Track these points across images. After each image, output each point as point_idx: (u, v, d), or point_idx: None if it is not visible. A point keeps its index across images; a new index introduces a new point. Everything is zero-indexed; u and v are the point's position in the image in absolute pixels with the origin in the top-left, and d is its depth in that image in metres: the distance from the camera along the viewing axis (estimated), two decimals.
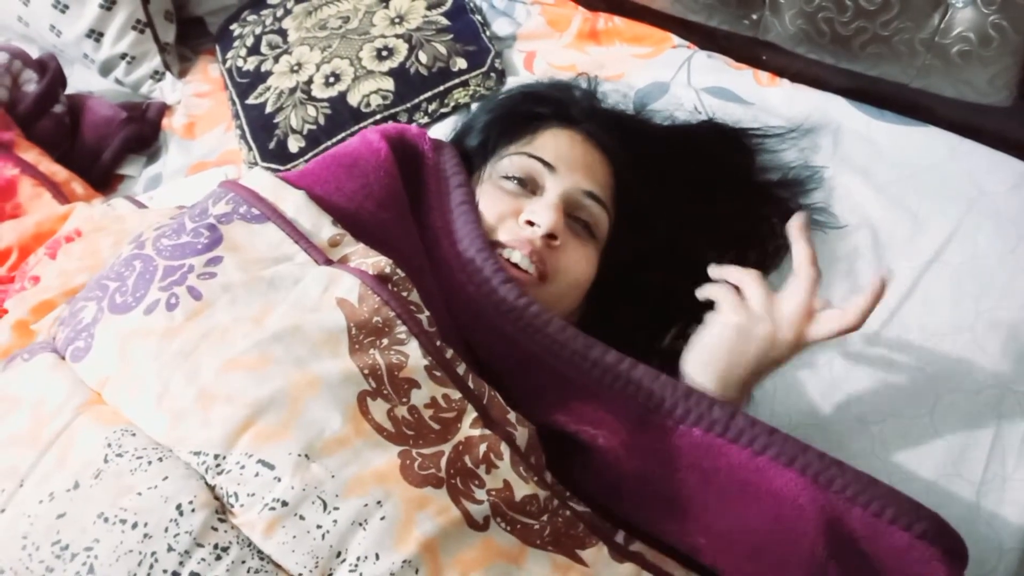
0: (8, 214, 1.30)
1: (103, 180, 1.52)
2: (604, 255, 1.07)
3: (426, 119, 1.44)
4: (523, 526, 0.76)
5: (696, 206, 1.15)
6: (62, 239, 1.11)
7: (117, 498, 0.69)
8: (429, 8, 1.51)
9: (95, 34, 1.59)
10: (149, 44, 1.62)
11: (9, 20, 1.66)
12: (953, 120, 1.23)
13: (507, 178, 1.03)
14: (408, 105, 1.43)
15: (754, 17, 1.29)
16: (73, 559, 0.67)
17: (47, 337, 0.86)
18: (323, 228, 0.86)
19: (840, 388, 1.08)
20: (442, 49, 1.46)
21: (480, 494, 0.74)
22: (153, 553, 0.66)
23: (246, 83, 1.53)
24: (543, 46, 1.52)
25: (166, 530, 0.67)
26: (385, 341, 0.78)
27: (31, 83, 1.52)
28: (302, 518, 0.69)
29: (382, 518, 0.69)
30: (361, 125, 1.42)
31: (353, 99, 1.43)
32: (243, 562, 0.68)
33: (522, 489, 0.77)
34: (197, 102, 1.62)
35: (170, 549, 0.66)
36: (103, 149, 1.53)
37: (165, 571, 0.66)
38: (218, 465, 0.70)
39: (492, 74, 1.46)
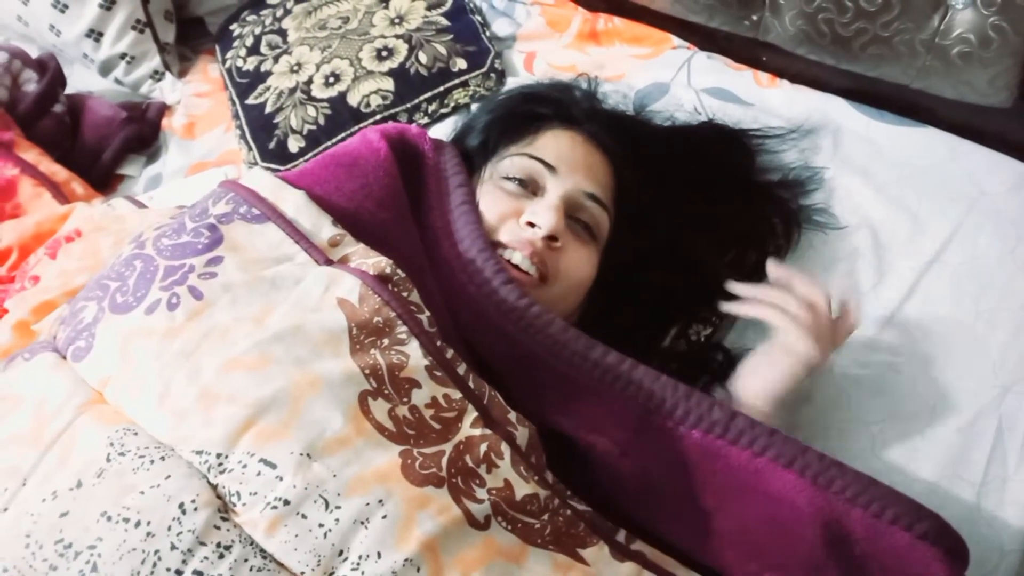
0: (8, 214, 1.30)
1: (103, 180, 1.52)
2: (605, 255, 1.07)
3: (426, 119, 1.44)
4: (524, 525, 0.76)
5: (696, 207, 1.15)
6: (62, 239, 1.11)
7: (120, 497, 0.69)
8: (429, 8, 1.51)
9: (95, 34, 1.59)
10: (149, 44, 1.62)
11: (9, 20, 1.66)
12: (953, 121, 1.23)
13: (508, 179, 1.03)
14: (408, 105, 1.43)
15: (754, 18, 1.29)
16: (76, 557, 0.67)
17: (48, 337, 0.86)
18: (323, 228, 0.86)
19: (840, 388, 1.08)
20: (442, 49, 1.46)
21: (481, 493, 0.74)
22: (156, 551, 0.66)
23: (246, 83, 1.53)
24: (543, 46, 1.52)
25: (169, 528, 0.67)
26: (386, 341, 0.78)
27: (31, 83, 1.52)
28: (304, 517, 0.69)
29: (384, 517, 0.69)
30: (361, 125, 1.42)
31: (353, 99, 1.43)
32: (245, 560, 0.68)
33: (523, 488, 0.77)
34: (197, 102, 1.62)
35: (173, 547, 0.66)
36: (103, 149, 1.53)
37: (168, 569, 0.66)
38: (220, 464, 0.70)
39: (492, 75, 1.46)
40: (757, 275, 1.14)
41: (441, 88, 1.44)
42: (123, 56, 1.61)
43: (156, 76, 1.64)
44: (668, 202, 1.13)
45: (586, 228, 1.04)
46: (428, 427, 0.75)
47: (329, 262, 0.84)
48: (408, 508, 0.70)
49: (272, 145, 1.44)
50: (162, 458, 0.71)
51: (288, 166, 1.41)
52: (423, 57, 1.45)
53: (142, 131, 1.57)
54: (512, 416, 0.81)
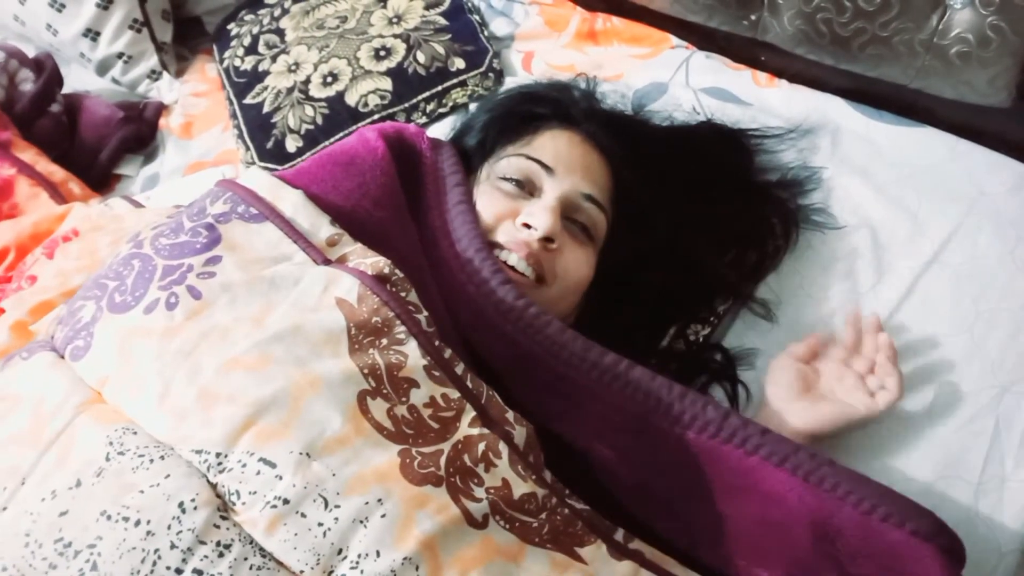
0: (5, 214, 1.29)
1: (100, 180, 1.52)
2: (603, 256, 1.07)
3: (424, 119, 1.44)
4: (522, 524, 0.76)
5: (695, 206, 1.15)
6: (59, 239, 1.10)
7: (119, 496, 0.69)
8: (427, 8, 1.51)
9: (92, 33, 1.58)
10: (146, 43, 1.62)
11: (5, 19, 1.65)
12: (953, 121, 1.23)
13: (505, 179, 1.03)
14: (406, 105, 1.43)
15: (753, 18, 1.29)
16: (76, 556, 0.67)
17: (45, 337, 0.86)
18: (321, 228, 0.86)
19: None
20: (440, 49, 1.46)
21: (479, 492, 0.74)
22: (156, 550, 0.66)
23: (244, 83, 1.52)
24: (541, 46, 1.52)
25: (169, 527, 0.67)
26: (384, 341, 0.78)
27: (28, 82, 1.52)
28: (303, 516, 0.69)
29: (383, 516, 0.69)
30: (359, 125, 1.42)
31: (351, 99, 1.43)
32: (245, 559, 0.68)
33: (521, 487, 0.77)
34: (194, 102, 1.62)
35: (173, 546, 0.66)
36: (100, 149, 1.52)
37: (168, 568, 0.66)
38: (220, 463, 0.70)
39: (490, 74, 1.46)
40: (756, 275, 1.15)
41: (439, 88, 1.44)
42: (120, 55, 1.61)
43: (153, 76, 1.64)
44: (667, 202, 1.13)
45: (583, 229, 1.04)
46: (426, 426, 0.75)
47: (327, 262, 0.84)
48: (407, 507, 0.70)
49: (270, 145, 1.43)
50: (161, 457, 0.71)
51: (286, 166, 1.41)
52: (421, 57, 1.45)
53: (139, 131, 1.57)
54: (510, 415, 0.82)
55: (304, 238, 0.85)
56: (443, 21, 1.50)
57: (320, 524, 0.69)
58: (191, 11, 1.72)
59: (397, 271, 0.83)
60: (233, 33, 1.62)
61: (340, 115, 1.43)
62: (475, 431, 0.77)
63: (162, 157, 1.56)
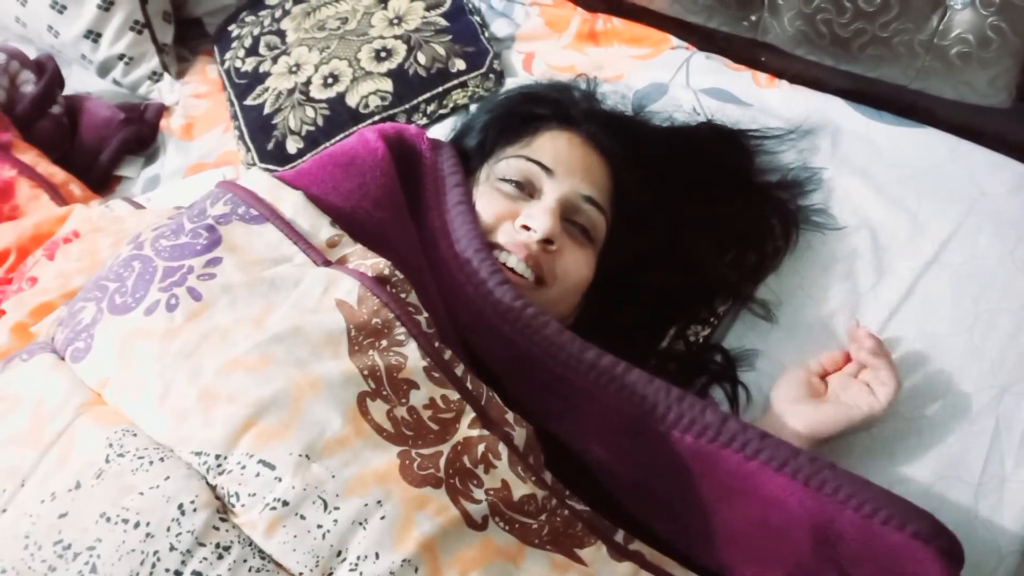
0: (6, 216, 1.30)
1: (101, 181, 1.52)
2: (603, 257, 1.07)
3: (425, 120, 1.44)
4: (521, 525, 0.76)
5: (695, 207, 1.15)
6: (60, 240, 1.10)
7: (119, 498, 0.69)
8: (428, 9, 1.51)
9: (93, 35, 1.59)
10: (147, 45, 1.62)
11: (7, 21, 1.66)
12: (953, 122, 1.23)
13: (505, 180, 1.03)
14: (407, 106, 1.43)
15: (753, 18, 1.29)
16: (75, 559, 0.67)
17: (46, 338, 0.86)
18: (321, 229, 0.86)
19: None
20: (441, 50, 1.46)
21: (479, 494, 0.74)
22: (155, 552, 0.66)
23: (244, 84, 1.53)
24: (542, 47, 1.52)
25: (168, 529, 0.67)
26: (384, 342, 0.78)
27: (29, 84, 1.52)
28: (303, 518, 0.69)
29: (382, 518, 0.69)
30: (360, 126, 1.42)
31: (352, 100, 1.43)
32: (244, 561, 0.68)
33: (520, 489, 0.77)
34: (195, 103, 1.62)
35: (172, 548, 0.67)
36: (101, 150, 1.52)
37: (167, 570, 0.66)
38: (219, 465, 0.70)
39: (491, 75, 1.46)
40: (756, 276, 1.15)
41: (440, 89, 1.44)
42: (121, 57, 1.61)
43: (154, 77, 1.64)
44: (667, 203, 1.13)
45: (583, 231, 1.04)
46: (426, 428, 0.75)
47: (327, 263, 0.84)
48: (406, 509, 0.70)
49: (271, 146, 1.44)
50: (161, 459, 0.71)
51: (286, 167, 1.41)
52: (422, 58, 1.45)
53: (140, 132, 1.57)
54: (510, 416, 0.82)
55: (304, 239, 0.85)
56: (444, 22, 1.50)
57: (319, 526, 0.69)
58: (192, 12, 1.72)
59: (397, 272, 0.83)
60: (234, 34, 1.62)
61: (341, 116, 1.43)
62: (475, 432, 0.77)
63: (163, 158, 1.56)
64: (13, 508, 0.70)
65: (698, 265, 1.13)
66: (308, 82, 1.46)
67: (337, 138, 1.41)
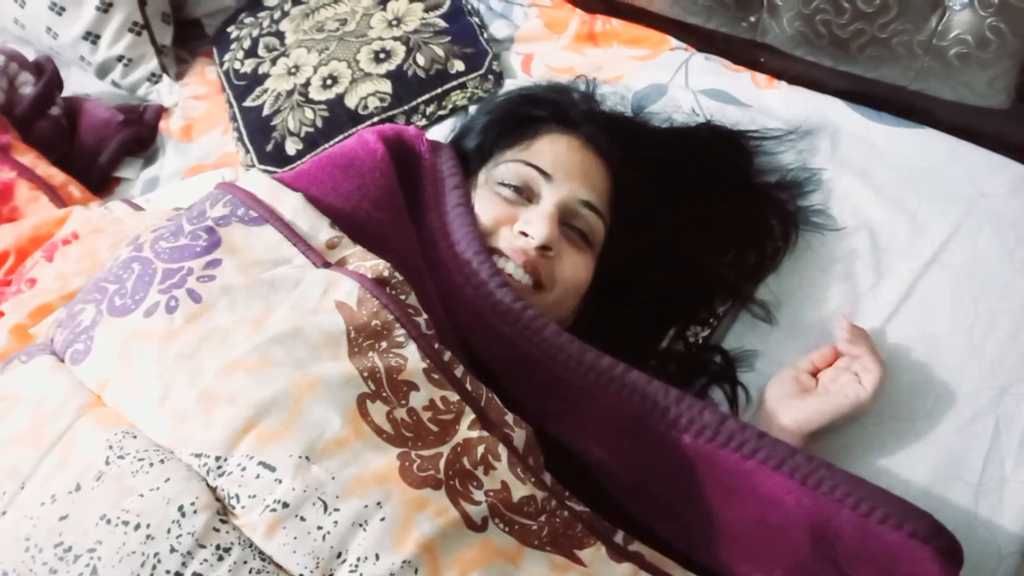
0: (5, 217, 1.30)
1: (100, 183, 1.52)
2: (602, 259, 1.07)
3: (424, 121, 1.44)
4: (521, 527, 0.76)
5: (694, 208, 1.15)
6: (59, 242, 1.10)
7: (119, 500, 0.69)
8: (427, 10, 1.51)
9: (92, 36, 1.59)
10: (146, 46, 1.62)
11: (5, 22, 1.66)
12: (952, 122, 1.22)
13: (504, 185, 1.03)
14: (406, 107, 1.43)
15: (752, 19, 1.29)
16: (76, 561, 0.67)
17: (45, 340, 0.86)
18: (321, 230, 0.86)
19: None
20: (440, 51, 1.46)
21: (478, 495, 0.74)
22: (156, 554, 0.66)
23: (243, 85, 1.53)
24: (541, 48, 1.52)
25: (168, 531, 0.67)
26: (384, 344, 0.78)
27: (27, 85, 1.52)
28: (303, 519, 0.69)
29: (382, 519, 0.69)
30: (359, 127, 1.42)
31: (351, 101, 1.43)
32: (244, 563, 0.68)
33: (520, 490, 0.77)
34: (194, 104, 1.62)
35: (172, 550, 0.67)
36: (100, 152, 1.53)
37: (168, 572, 0.66)
38: (219, 467, 0.70)
39: (490, 76, 1.46)
40: (755, 276, 1.15)
41: (439, 90, 1.44)
42: (120, 58, 1.61)
43: (153, 78, 1.64)
44: (666, 204, 1.13)
45: (581, 235, 1.04)
46: (426, 429, 0.75)
47: (327, 264, 0.84)
48: (406, 510, 0.70)
49: (270, 147, 1.43)
50: (161, 461, 0.71)
51: (285, 168, 1.41)
52: (421, 59, 1.45)
53: (139, 134, 1.57)
54: (509, 418, 0.82)
55: (304, 241, 0.85)
56: (443, 23, 1.50)
57: (319, 527, 0.69)
58: (191, 14, 1.72)
59: (397, 274, 0.83)
60: (233, 36, 1.62)
61: (340, 118, 1.43)
62: (474, 434, 0.77)
63: (162, 160, 1.56)
64: (13, 510, 0.70)
65: (697, 266, 1.13)
66: (307, 83, 1.46)
67: (336, 139, 1.41)
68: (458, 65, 1.45)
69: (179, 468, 0.71)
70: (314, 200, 0.88)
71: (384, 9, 1.53)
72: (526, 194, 1.03)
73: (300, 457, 0.70)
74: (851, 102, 1.29)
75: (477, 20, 1.52)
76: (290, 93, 1.46)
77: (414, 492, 0.71)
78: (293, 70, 1.49)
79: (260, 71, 1.52)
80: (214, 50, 1.65)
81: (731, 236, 1.16)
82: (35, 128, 1.49)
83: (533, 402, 0.91)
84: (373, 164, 0.95)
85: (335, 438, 0.71)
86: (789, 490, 0.84)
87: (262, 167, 1.42)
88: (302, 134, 1.42)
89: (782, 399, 0.99)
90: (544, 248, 0.98)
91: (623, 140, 1.12)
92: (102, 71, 1.63)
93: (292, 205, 0.87)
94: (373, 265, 0.82)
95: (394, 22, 1.50)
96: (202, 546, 0.67)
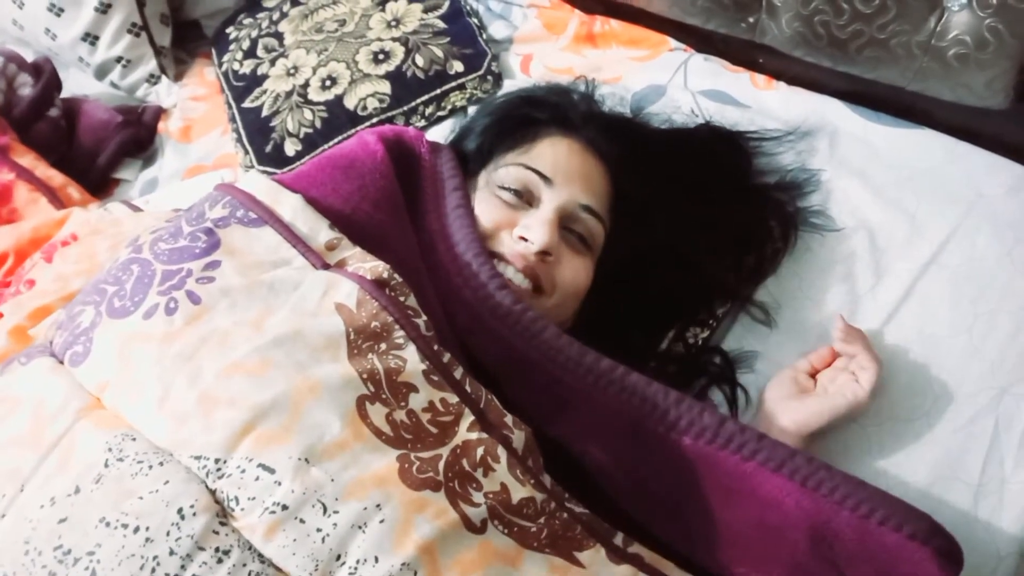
0: (4, 219, 1.29)
1: (99, 184, 1.52)
2: (602, 261, 1.07)
3: (423, 122, 1.44)
4: (520, 528, 0.76)
5: (694, 209, 1.15)
6: (58, 243, 1.10)
7: (118, 502, 0.69)
8: (426, 11, 1.51)
9: (90, 37, 1.59)
10: (145, 47, 1.62)
11: (4, 23, 1.66)
12: (950, 123, 1.22)
13: (504, 188, 1.03)
14: (405, 108, 1.43)
15: (751, 20, 1.29)
16: (76, 564, 0.67)
17: (44, 342, 0.86)
18: (320, 232, 0.86)
19: None
20: (439, 52, 1.46)
21: (478, 497, 0.74)
22: (155, 557, 0.66)
23: (242, 86, 1.52)
24: (540, 49, 1.52)
25: (168, 534, 0.67)
26: (383, 346, 0.78)
27: (26, 87, 1.52)
28: (302, 521, 0.69)
29: (381, 521, 0.69)
30: (358, 128, 1.42)
31: (350, 102, 1.43)
32: (244, 565, 0.68)
33: (519, 492, 0.77)
34: (193, 105, 1.62)
35: (172, 553, 0.67)
36: (99, 153, 1.53)
37: (167, 574, 0.66)
38: (219, 469, 0.70)
39: (489, 77, 1.46)
40: (755, 277, 1.15)
41: (438, 91, 1.44)
42: (119, 60, 1.61)
43: (152, 80, 1.64)
44: (665, 205, 1.13)
45: (580, 239, 1.04)
46: (425, 431, 0.75)
47: (326, 266, 0.84)
48: (405, 512, 0.70)
49: (269, 148, 1.43)
50: (160, 463, 0.71)
51: (285, 169, 1.41)
52: (420, 60, 1.45)
53: (138, 135, 1.57)
54: (509, 420, 0.81)
55: (303, 242, 0.85)
56: (441, 24, 1.50)
57: (319, 530, 0.69)
58: (190, 15, 1.72)
59: (396, 276, 0.83)
60: (232, 37, 1.62)
61: (339, 119, 1.43)
62: (474, 435, 0.77)
63: (161, 161, 1.56)
64: (13, 513, 0.70)
65: (697, 267, 1.13)
66: (306, 84, 1.46)
67: (335, 140, 1.41)
68: (457, 66, 1.45)
69: (178, 470, 0.71)
70: (313, 201, 0.88)
71: (383, 10, 1.53)
72: (526, 198, 1.03)
73: (299, 459, 0.70)
74: (850, 103, 1.29)
75: (476, 21, 1.52)
76: (289, 94, 1.46)
77: (413, 494, 0.71)
78: (292, 71, 1.49)
79: (259, 72, 1.52)
80: (213, 51, 1.65)
81: (730, 237, 1.16)
82: (34, 129, 1.49)
83: (532, 404, 0.90)
84: (373, 165, 0.95)
85: (335, 440, 0.71)
86: (789, 492, 0.84)
87: (261, 168, 1.42)
88: (301, 135, 1.42)
89: (781, 400, 0.99)
90: (544, 253, 0.98)
91: (623, 142, 1.12)
92: (101, 72, 1.63)
93: (291, 206, 0.87)
94: (372, 267, 0.82)
95: (393, 23, 1.50)
96: (201, 548, 0.67)
